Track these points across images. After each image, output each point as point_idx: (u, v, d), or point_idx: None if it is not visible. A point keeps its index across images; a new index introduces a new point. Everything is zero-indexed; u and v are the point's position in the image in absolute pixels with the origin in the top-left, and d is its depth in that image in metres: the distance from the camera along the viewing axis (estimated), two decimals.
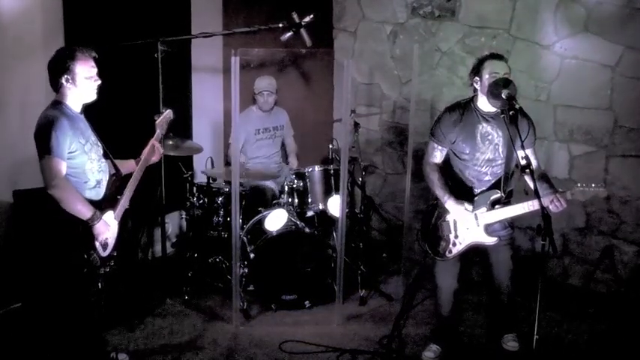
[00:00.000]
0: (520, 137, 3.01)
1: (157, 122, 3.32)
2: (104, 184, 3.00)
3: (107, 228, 2.92)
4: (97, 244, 2.90)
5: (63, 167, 2.76)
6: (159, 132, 3.31)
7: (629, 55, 4.13)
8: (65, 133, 2.75)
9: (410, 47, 4.77)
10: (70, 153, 2.79)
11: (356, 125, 4.72)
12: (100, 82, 2.91)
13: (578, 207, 4.41)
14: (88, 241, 2.86)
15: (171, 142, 4.12)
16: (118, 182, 3.06)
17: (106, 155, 3.05)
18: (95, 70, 2.89)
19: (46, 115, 2.79)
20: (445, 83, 4.93)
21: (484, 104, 3.24)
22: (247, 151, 4.79)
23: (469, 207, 3.22)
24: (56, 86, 2.85)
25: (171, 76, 4.06)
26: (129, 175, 3.14)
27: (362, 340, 3.73)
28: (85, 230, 2.83)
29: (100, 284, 3.02)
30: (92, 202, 2.90)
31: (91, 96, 2.92)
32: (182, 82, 4.80)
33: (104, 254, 2.95)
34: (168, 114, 3.38)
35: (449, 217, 3.30)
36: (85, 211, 2.80)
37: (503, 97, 3.02)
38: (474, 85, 3.26)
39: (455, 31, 4.83)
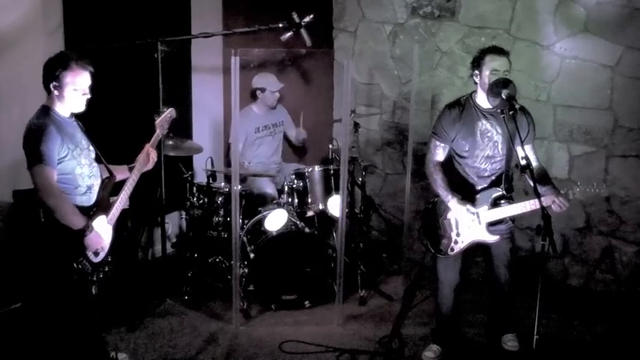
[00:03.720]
0: (520, 137, 3.01)
1: (156, 122, 3.25)
2: (95, 189, 2.96)
3: (99, 239, 2.88)
4: (90, 252, 2.88)
5: (54, 175, 2.73)
6: (158, 132, 3.24)
7: (629, 55, 4.13)
8: (54, 141, 2.72)
9: (410, 47, 4.77)
10: (59, 159, 2.76)
11: (356, 125, 4.72)
12: (89, 96, 2.85)
13: (578, 207, 4.41)
14: (78, 248, 2.83)
15: (171, 142, 4.12)
16: (110, 185, 3.03)
17: (98, 159, 3.01)
18: (87, 84, 2.82)
19: (34, 124, 2.75)
20: (445, 83, 4.93)
21: (483, 101, 3.24)
22: (247, 151, 4.79)
23: (472, 208, 3.22)
24: (47, 90, 2.81)
25: (171, 76, 4.06)
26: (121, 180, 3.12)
27: (362, 340, 3.73)
28: (75, 238, 2.79)
29: (93, 290, 2.99)
30: (83, 208, 2.87)
31: (78, 108, 2.86)
32: (182, 82, 4.80)
33: (96, 260, 2.93)
34: (169, 112, 3.30)
35: (450, 215, 3.30)
36: (76, 222, 2.77)
37: (503, 97, 3.03)
38: (474, 78, 3.26)
39: (455, 31, 4.83)
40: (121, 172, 3.12)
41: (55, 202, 2.72)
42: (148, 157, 3.18)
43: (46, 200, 2.71)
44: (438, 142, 3.32)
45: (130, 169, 3.14)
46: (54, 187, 2.72)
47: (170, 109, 3.33)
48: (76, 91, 2.79)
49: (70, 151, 2.81)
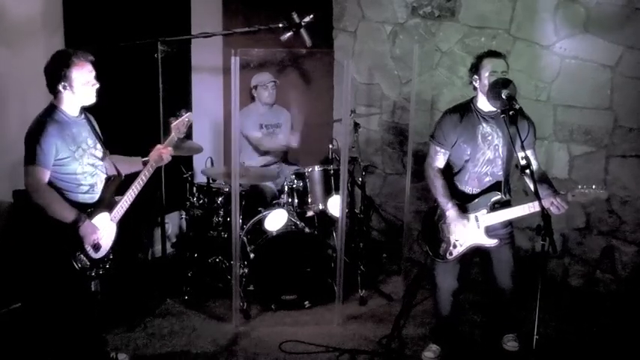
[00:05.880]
0: (520, 137, 3.01)
1: (172, 125, 3.25)
2: (99, 187, 2.99)
3: (94, 230, 2.90)
4: (88, 245, 2.90)
5: (45, 176, 2.78)
6: (174, 135, 3.24)
7: (629, 55, 4.13)
8: (51, 143, 2.75)
9: (410, 47, 4.77)
10: (59, 160, 2.80)
11: (356, 125, 4.72)
12: (98, 85, 2.89)
13: (578, 207, 4.41)
14: (73, 242, 2.85)
15: None
16: (115, 184, 3.05)
17: (104, 158, 3.04)
18: (93, 74, 2.86)
19: (36, 122, 2.79)
20: (445, 83, 4.93)
21: (484, 104, 3.24)
22: (249, 150, 4.79)
23: (467, 223, 3.22)
24: (54, 91, 2.83)
25: (171, 76, 4.06)
26: (132, 176, 3.13)
27: (362, 340, 3.73)
28: (70, 232, 2.82)
29: (93, 286, 3.00)
30: (86, 205, 2.90)
31: (90, 100, 2.90)
32: (182, 82, 4.80)
33: (96, 256, 2.95)
34: (187, 117, 3.27)
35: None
36: (67, 215, 2.81)
37: (503, 97, 3.02)
38: (474, 83, 3.26)
39: (455, 31, 4.83)
40: (134, 165, 3.14)
41: (43, 200, 2.77)
42: (160, 157, 3.18)
43: (34, 199, 2.77)
44: (437, 148, 3.31)
45: (144, 163, 3.14)
46: (41, 187, 2.76)
47: (188, 113, 3.31)
48: (84, 85, 2.83)
49: (71, 152, 2.84)
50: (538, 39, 4.45)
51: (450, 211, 3.22)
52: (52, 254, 2.86)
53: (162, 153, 3.18)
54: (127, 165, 3.16)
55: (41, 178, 2.76)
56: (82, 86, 2.82)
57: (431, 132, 3.39)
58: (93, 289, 3.04)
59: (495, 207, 3.22)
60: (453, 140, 3.27)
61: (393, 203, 5.39)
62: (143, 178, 3.10)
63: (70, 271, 2.86)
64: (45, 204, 2.77)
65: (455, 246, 3.28)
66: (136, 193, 3.08)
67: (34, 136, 2.75)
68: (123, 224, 3.13)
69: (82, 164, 2.89)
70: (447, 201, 3.24)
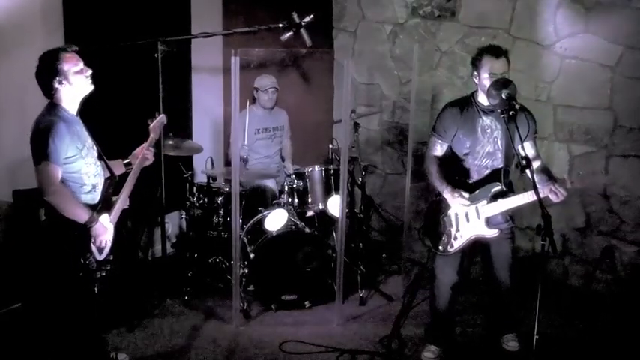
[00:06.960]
0: (520, 137, 3.02)
1: (150, 127, 3.30)
2: (100, 187, 2.98)
3: (105, 230, 2.91)
4: (94, 247, 2.90)
5: (59, 173, 2.74)
6: (153, 136, 3.28)
7: (629, 55, 4.13)
8: (62, 139, 2.73)
9: (410, 47, 4.77)
10: (67, 158, 2.77)
11: (356, 125, 4.72)
12: (90, 71, 2.88)
13: (578, 207, 4.41)
14: (84, 244, 2.85)
15: (171, 142, 4.12)
16: (113, 185, 3.05)
17: (100, 158, 3.03)
18: (82, 62, 2.86)
19: (43, 121, 2.76)
20: (445, 83, 4.93)
21: (484, 98, 3.25)
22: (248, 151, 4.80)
23: (465, 195, 3.23)
24: (50, 92, 2.81)
25: (172, 76, 4.06)
26: (123, 177, 3.13)
27: (362, 340, 3.73)
28: (81, 233, 2.82)
29: (96, 288, 3.00)
30: (88, 206, 2.89)
31: (87, 88, 2.89)
32: (182, 82, 4.80)
33: (100, 257, 2.95)
34: (161, 118, 3.35)
35: (450, 212, 3.32)
36: (82, 215, 2.80)
37: (503, 97, 3.03)
38: (474, 79, 3.27)
39: (455, 31, 4.83)
40: (117, 168, 3.15)
41: (58, 199, 2.74)
42: (145, 158, 3.19)
43: (48, 198, 2.72)
44: (436, 139, 3.36)
45: (126, 165, 3.17)
46: (57, 185, 2.73)
47: (161, 115, 3.38)
48: (77, 73, 2.82)
49: (78, 150, 2.83)
50: (538, 39, 4.45)
51: (446, 191, 3.26)
52: (62, 255, 2.84)
53: (146, 154, 3.20)
54: (114, 167, 3.16)
55: (56, 176, 2.72)
56: (76, 75, 2.82)
57: (432, 125, 3.42)
58: (96, 290, 3.03)
59: (496, 198, 3.23)
60: (453, 133, 3.30)
61: (393, 203, 5.40)
62: (132, 178, 3.10)
63: (79, 272, 2.85)
64: (59, 203, 2.74)
65: (456, 238, 3.30)
66: (128, 194, 3.09)
67: (45, 134, 2.70)
68: (123, 224, 3.13)
69: (87, 163, 2.89)
70: (441, 183, 3.28)
